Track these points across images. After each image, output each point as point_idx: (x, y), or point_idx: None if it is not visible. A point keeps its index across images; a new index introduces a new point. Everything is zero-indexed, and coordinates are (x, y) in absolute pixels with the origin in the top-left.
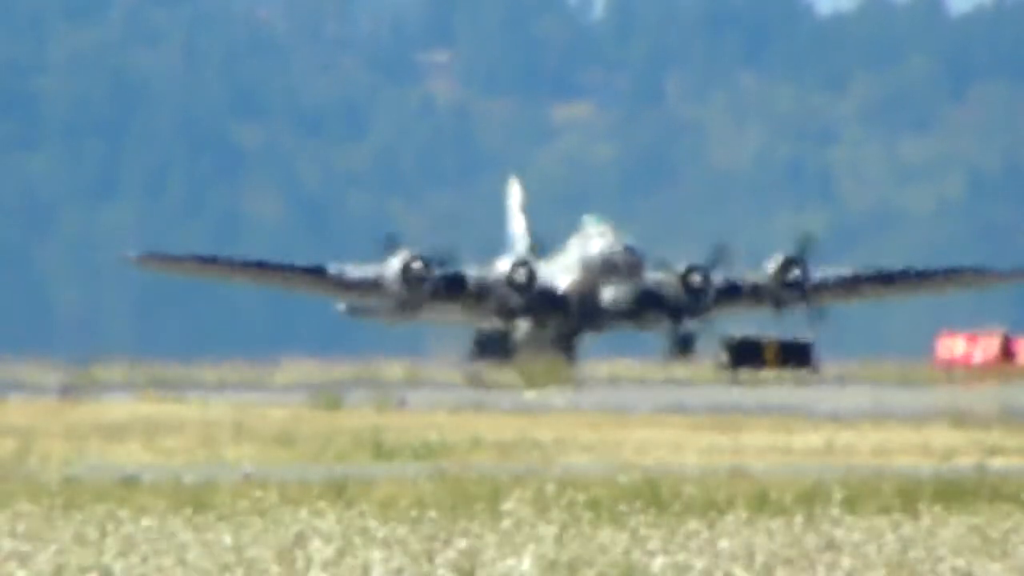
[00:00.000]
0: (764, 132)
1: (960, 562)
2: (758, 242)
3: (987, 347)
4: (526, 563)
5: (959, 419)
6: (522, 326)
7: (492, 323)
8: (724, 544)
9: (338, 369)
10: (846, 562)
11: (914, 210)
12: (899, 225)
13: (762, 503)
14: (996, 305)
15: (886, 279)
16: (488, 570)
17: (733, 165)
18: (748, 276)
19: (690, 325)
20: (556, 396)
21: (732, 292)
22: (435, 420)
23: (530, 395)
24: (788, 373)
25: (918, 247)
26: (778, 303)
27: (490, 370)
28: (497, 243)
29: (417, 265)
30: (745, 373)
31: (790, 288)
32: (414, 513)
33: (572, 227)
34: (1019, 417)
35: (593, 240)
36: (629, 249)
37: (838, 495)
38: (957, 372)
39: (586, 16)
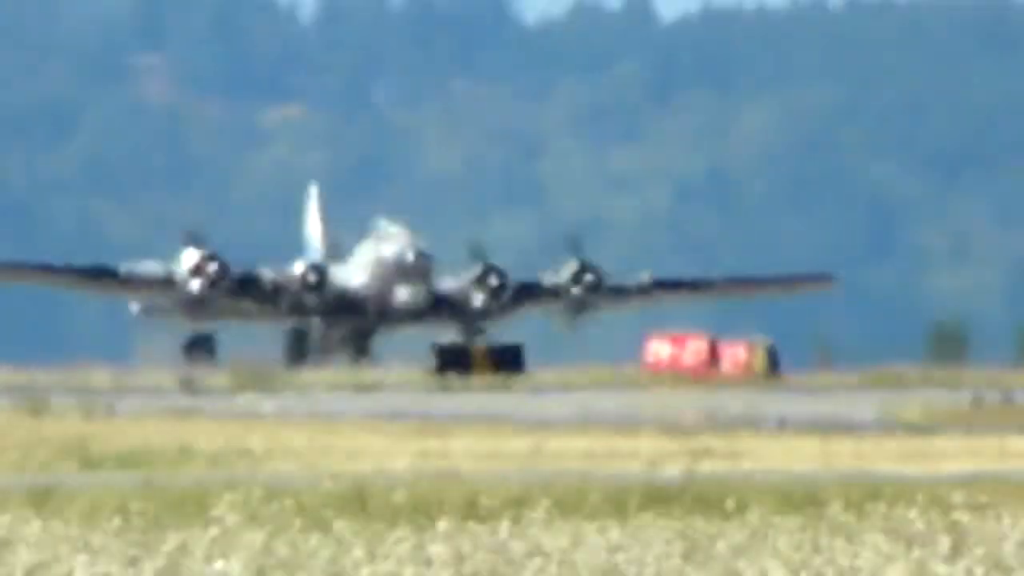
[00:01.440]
0: (475, 139)
1: (666, 567)
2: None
3: (694, 351)
4: (233, 569)
5: (667, 424)
6: (316, 325)
7: (286, 323)
8: (433, 550)
9: (43, 375)
10: (553, 568)
11: (621, 218)
12: (607, 233)
13: (471, 508)
14: (703, 310)
15: (676, 285)
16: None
17: (445, 171)
18: (546, 278)
19: (485, 327)
20: (267, 402)
21: (529, 292)
22: (144, 427)
23: (242, 400)
24: (498, 378)
25: (624, 255)
26: (573, 306)
27: (202, 374)
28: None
29: (212, 264)
30: (454, 378)
31: (587, 291)
32: (119, 521)
33: (287, 228)
34: (725, 421)
35: (386, 242)
36: (421, 252)
37: (546, 501)
38: (665, 376)
39: (296, 18)
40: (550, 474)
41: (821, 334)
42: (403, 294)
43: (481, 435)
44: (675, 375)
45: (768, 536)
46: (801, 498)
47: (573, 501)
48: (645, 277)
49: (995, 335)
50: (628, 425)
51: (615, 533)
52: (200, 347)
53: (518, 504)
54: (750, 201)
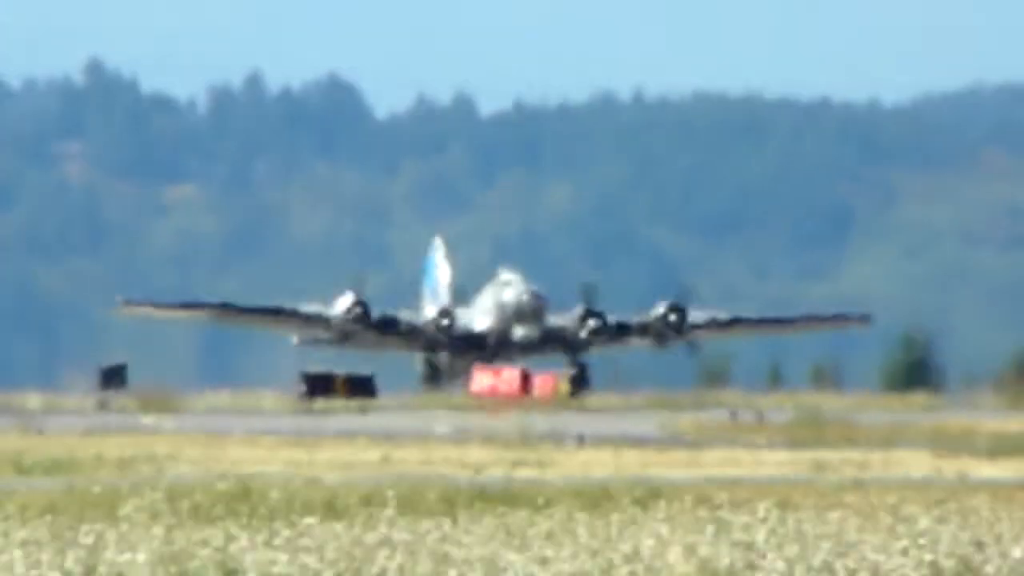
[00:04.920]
0: (334, 211)
1: (488, 552)
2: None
3: (510, 380)
4: (140, 558)
5: (489, 439)
6: (445, 357)
7: (423, 356)
8: (304, 541)
9: None
10: (399, 555)
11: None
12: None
13: (332, 507)
14: None
15: (750, 322)
16: (109, 564)
17: (310, 238)
18: (635, 318)
19: (585, 358)
20: (168, 420)
21: (622, 330)
22: (68, 441)
23: (147, 420)
24: (353, 402)
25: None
26: (660, 340)
27: (115, 398)
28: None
29: (358, 308)
30: (319, 402)
31: (671, 328)
32: (49, 518)
33: (187, 285)
34: (535, 437)
35: (506, 288)
36: (536, 295)
37: (392, 500)
38: (487, 400)
39: (192, 113)
40: (396, 479)
41: (616, 363)
42: (520, 332)
43: (340, 448)
44: (495, 400)
45: (571, 527)
46: (597, 497)
47: (414, 500)
48: (721, 315)
49: (752, 366)
50: (458, 440)
51: (448, 526)
52: (113, 376)
53: (370, 503)
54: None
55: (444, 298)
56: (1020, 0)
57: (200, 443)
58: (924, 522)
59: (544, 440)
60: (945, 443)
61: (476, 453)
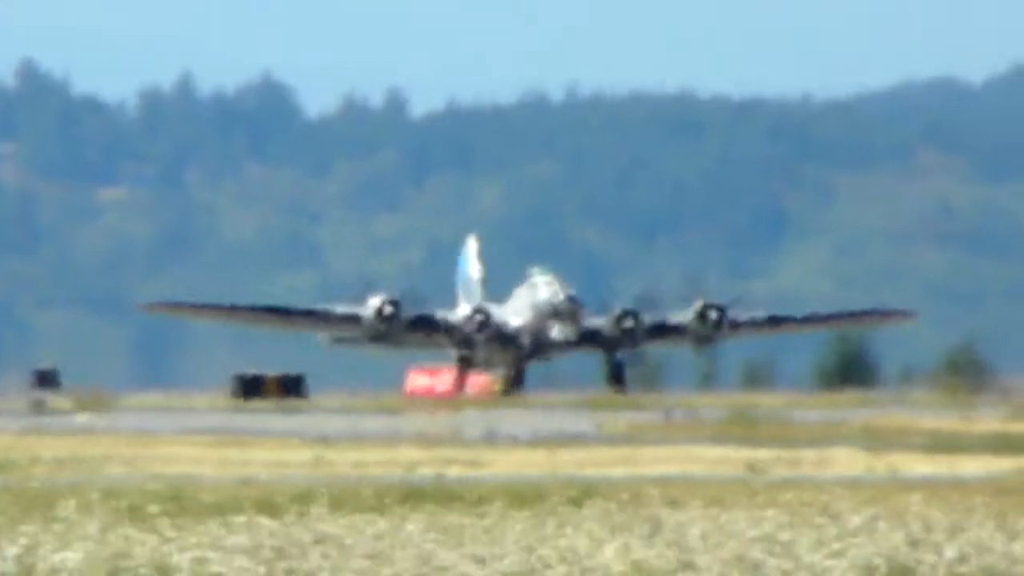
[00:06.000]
0: (266, 211)
1: (422, 550)
2: (264, 300)
3: (445, 381)
4: (76, 557)
5: (422, 438)
6: (480, 355)
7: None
8: (235, 539)
9: None
10: (333, 552)
11: (385, 274)
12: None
13: (265, 505)
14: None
15: (785, 320)
16: (44, 562)
17: (241, 238)
18: (673, 317)
19: (621, 356)
20: (101, 419)
21: (660, 330)
22: (2, 441)
23: (81, 418)
24: (286, 402)
25: None
26: (698, 340)
27: (49, 399)
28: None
29: (389, 306)
30: (252, 402)
31: (709, 327)
32: None
33: (120, 287)
34: (468, 436)
35: (540, 288)
36: (571, 297)
37: (325, 498)
38: (420, 400)
39: (123, 115)
40: (328, 478)
41: (552, 363)
42: (556, 332)
43: (273, 448)
44: (429, 400)
45: (505, 526)
46: (531, 496)
47: (347, 499)
48: (759, 314)
49: (684, 366)
50: (391, 439)
51: (381, 524)
52: (46, 378)
53: (303, 501)
54: (487, 259)
55: (477, 296)
56: None
57: (134, 443)
58: (858, 521)
59: (477, 439)
60: (879, 441)
61: (408, 452)
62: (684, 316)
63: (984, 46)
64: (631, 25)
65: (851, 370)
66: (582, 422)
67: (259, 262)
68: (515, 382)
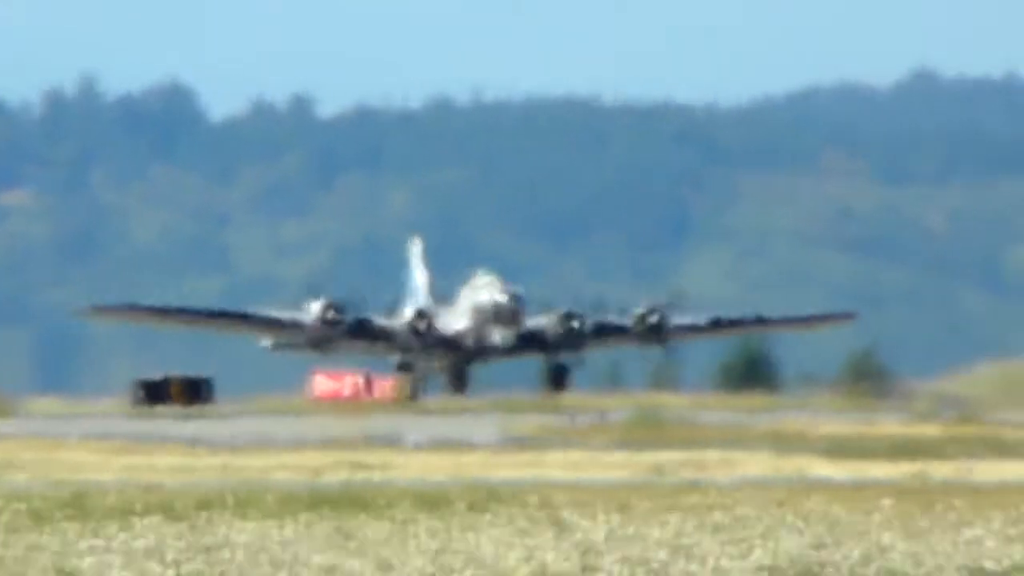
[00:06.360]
0: (172, 214)
1: (325, 558)
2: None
3: (352, 384)
4: None
5: (329, 442)
6: (421, 360)
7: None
8: (139, 543)
9: None
10: (240, 555)
11: (291, 277)
12: (280, 290)
13: (171, 510)
14: None
15: (730, 323)
16: None
17: (148, 242)
18: (616, 320)
19: (564, 359)
20: (2, 425)
21: (603, 332)
22: None
23: None
24: (190, 407)
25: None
26: (641, 342)
27: None
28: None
29: (331, 311)
30: (156, 407)
31: (651, 330)
32: None
33: (23, 291)
34: (377, 440)
35: (481, 290)
36: (514, 297)
37: (230, 504)
38: (326, 404)
39: (26, 118)
40: (235, 483)
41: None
42: (497, 335)
43: (179, 453)
44: (335, 403)
45: (410, 530)
46: (437, 500)
47: (253, 504)
48: (703, 318)
49: (593, 367)
50: (297, 444)
51: (288, 529)
52: None
53: (208, 507)
54: (395, 264)
55: (421, 300)
56: (859, 1)
57: (36, 448)
58: (763, 524)
59: (383, 444)
60: (783, 444)
61: (315, 457)
62: (627, 318)
63: (887, 51)
64: (538, 30)
65: (754, 373)
66: (488, 426)
67: (165, 266)
68: (457, 386)
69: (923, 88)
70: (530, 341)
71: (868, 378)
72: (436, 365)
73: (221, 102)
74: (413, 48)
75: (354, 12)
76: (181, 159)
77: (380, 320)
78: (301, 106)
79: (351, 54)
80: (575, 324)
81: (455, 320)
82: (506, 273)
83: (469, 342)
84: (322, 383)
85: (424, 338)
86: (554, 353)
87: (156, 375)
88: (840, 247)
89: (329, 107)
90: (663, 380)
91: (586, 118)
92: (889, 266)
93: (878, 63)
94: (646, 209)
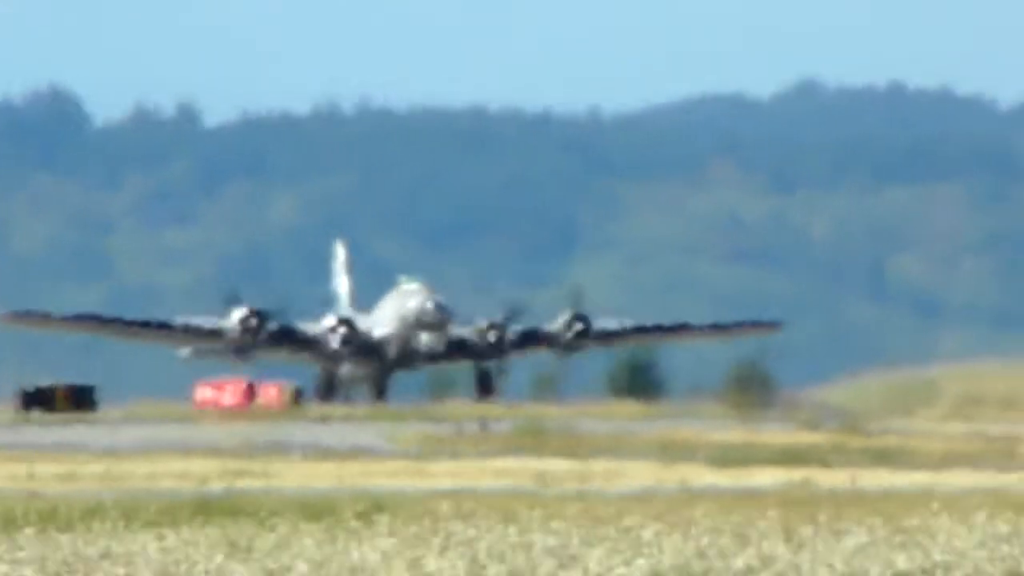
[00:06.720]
0: (55, 222)
1: (213, 566)
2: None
3: (234, 392)
4: None
5: (212, 450)
6: (344, 368)
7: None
8: (20, 554)
9: None
10: (120, 569)
11: (175, 285)
12: (164, 297)
13: (52, 519)
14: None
15: (653, 330)
16: None
17: (29, 250)
18: (543, 327)
19: (490, 366)
20: None
21: (528, 339)
22: None
23: None
24: (74, 414)
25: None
26: (566, 349)
27: None
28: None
29: (252, 319)
30: (38, 415)
31: (576, 337)
32: None
33: None
34: (260, 447)
35: (407, 297)
36: (440, 305)
37: (114, 513)
38: (209, 412)
39: None
40: (118, 491)
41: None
42: (423, 341)
43: (61, 461)
44: (219, 411)
45: (295, 540)
46: (322, 509)
47: (137, 512)
48: (627, 324)
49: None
50: (182, 451)
51: (171, 539)
52: None
53: (91, 516)
54: (280, 270)
55: (343, 307)
56: (743, 11)
57: None
58: (647, 533)
59: (267, 451)
60: (668, 453)
61: (199, 464)
62: (552, 325)
63: (772, 61)
64: (424, 39)
65: (639, 382)
66: (373, 434)
67: (48, 274)
68: (378, 393)
69: (808, 98)
70: (456, 348)
71: (753, 387)
72: (358, 372)
73: (104, 109)
74: (299, 55)
75: (240, 19)
76: (64, 166)
77: (303, 326)
78: (186, 113)
79: (236, 61)
80: (496, 333)
81: (378, 327)
82: (390, 280)
83: (394, 349)
84: (204, 391)
85: (348, 345)
86: (479, 360)
87: (41, 383)
88: (726, 256)
89: (214, 115)
90: (547, 389)
91: (472, 126)
92: (774, 275)
93: (763, 73)
94: (531, 216)
